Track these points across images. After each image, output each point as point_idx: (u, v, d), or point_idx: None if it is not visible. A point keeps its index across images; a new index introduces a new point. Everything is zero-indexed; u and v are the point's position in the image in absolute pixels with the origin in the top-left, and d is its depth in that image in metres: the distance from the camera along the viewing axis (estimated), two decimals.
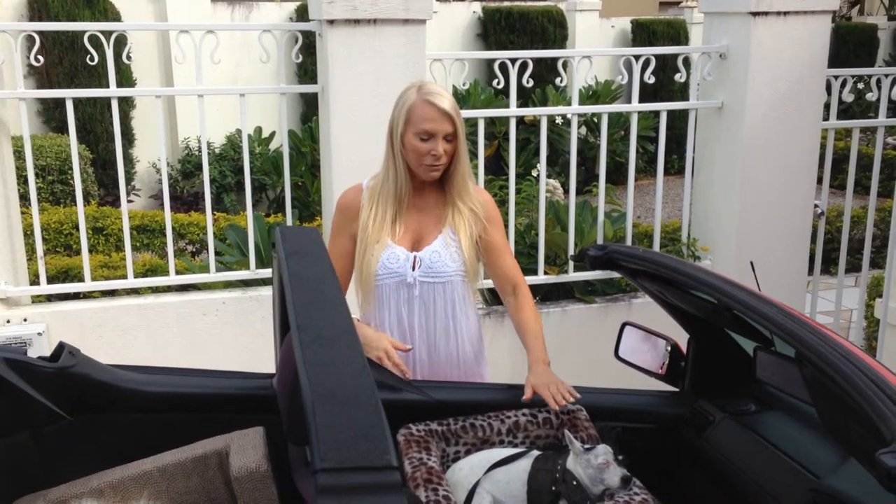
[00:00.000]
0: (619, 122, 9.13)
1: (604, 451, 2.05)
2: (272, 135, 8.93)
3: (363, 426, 1.09)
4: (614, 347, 2.62)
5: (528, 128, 8.84)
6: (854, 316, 5.18)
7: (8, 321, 3.54)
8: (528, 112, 4.39)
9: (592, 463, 2.03)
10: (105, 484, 1.90)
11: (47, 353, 2.14)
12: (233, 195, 8.55)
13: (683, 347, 2.51)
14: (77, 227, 5.66)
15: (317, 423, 1.08)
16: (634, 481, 2.03)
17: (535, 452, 2.18)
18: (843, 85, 3.97)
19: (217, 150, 8.89)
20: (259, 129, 8.83)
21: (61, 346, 2.10)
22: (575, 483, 2.04)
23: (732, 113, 4.04)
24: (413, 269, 2.46)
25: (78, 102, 3.81)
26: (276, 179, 8.21)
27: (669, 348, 2.48)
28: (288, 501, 1.91)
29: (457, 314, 2.52)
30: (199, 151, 8.65)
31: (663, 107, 4.14)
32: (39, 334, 3.37)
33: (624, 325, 2.63)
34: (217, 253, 4.15)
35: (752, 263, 2.43)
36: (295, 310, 1.41)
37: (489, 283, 2.74)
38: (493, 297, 4.09)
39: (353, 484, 1.01)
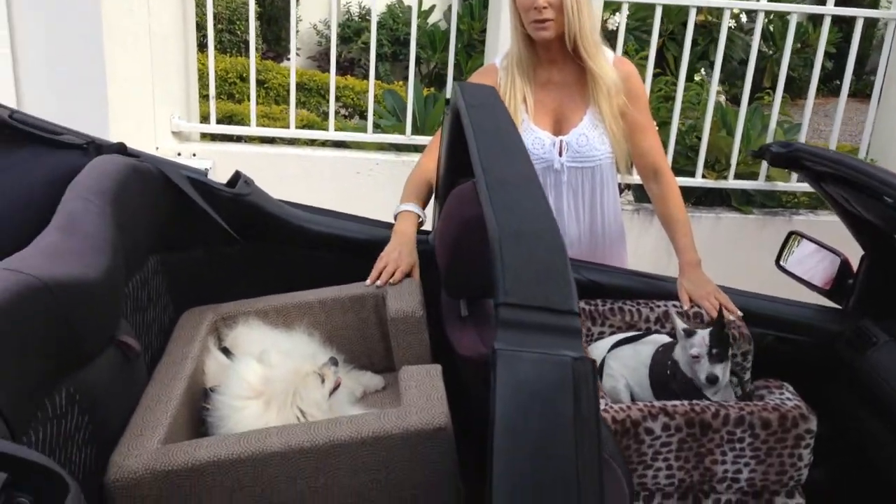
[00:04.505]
0: (797, 35, 8.51)
1: (699, 342, 1.91)
2: (432, 8, 8.82)
3: (548, 267, 1.07)
4: (776, 255, 2.51)
5: (696, 29, 8.37)
6: None
7: (178, 154, 3.72)
8: (709, 4, 4.14)
9: (688, 351, 1.94)
10: (270, 307, 2.00)
11: None
12: (388, 65, 8.56)
13: (854, 266, 2.37)
14: (241, 77, 5.84)
15: (503, 260, 1.08)
16: (747, 383, 1.95)
17: (658, 338, 2.12)
18: None
19: (377, 18, 8.90)
20: (420, 1, 8.74)
21: (237, 175, 2.19)
22: (683, 378, 1.96)
23: None
24: (560, 154, 2.32)
25: None
26: (430, 54, 8.15)
27: (839, 263, 2.35)
28: (437, 351, 1.95)
29: (604, 195, 2.40)
30: (359, 18, 8.67)
31: (859, 13, 3.82)
32: (207, 169, 3.53)
33: (791, 234, 2.51)
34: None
35: None
36: (479, 156, 1.40)
37: (637, 179, 2.57)
38: (641, 194, 3.97)
39: (534, 322, 1.01)
